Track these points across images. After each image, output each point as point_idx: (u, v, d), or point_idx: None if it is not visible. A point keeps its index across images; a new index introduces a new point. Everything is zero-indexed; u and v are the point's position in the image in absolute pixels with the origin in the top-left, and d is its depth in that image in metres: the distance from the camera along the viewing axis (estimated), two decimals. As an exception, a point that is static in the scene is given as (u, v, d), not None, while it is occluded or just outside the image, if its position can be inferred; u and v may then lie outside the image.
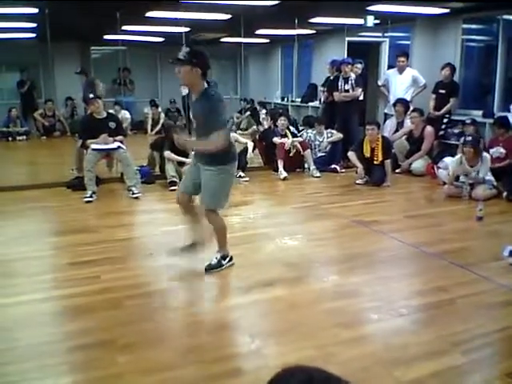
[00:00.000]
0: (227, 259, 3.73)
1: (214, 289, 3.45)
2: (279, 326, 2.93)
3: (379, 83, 8.49)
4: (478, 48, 8.89)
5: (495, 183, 5.78)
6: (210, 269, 3.63)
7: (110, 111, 7.30)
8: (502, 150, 6.21)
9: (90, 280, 3.51)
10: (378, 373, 2.43)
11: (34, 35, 9.92)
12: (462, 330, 2.81)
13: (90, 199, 5.71)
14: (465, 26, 8.14)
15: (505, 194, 5.66)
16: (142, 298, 3.28)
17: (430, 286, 3.46)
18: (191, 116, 3.69)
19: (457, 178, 5.92)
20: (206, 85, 3.35)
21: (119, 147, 6.06)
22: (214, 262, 3.67)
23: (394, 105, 7.72)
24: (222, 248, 3.72)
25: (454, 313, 3.05)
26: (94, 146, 5.94)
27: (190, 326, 2.95)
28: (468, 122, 6.97)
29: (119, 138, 6.13)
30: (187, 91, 9.85)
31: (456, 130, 7.62)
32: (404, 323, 2.95)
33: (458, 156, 5.91)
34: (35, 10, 7.31)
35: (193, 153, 3.81)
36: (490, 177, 5.77)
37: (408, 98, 7.79)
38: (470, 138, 5.78)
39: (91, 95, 6.34)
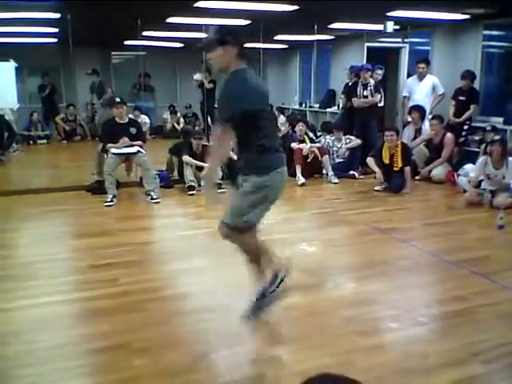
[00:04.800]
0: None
1: (231, 294, 3.44)
2: (297, 333, 2.92)
3: (404, 94, 8.37)
4: (499, 54, 8.79)
5: (516, 191, 5.70)
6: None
7: (131, 116, 7.39)
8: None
9: (109, 283, 3.55)
10: (395, 382, 2.41)
11: (55, 40, 10.08)
12: (482, 340, 2.77)
13: (111, 203, 5.77)
14: (485, 32, 8.06)
15: (526, 202, 5.57)
16: (160, 301, 3.30)
17: (449, 294, 3.42)
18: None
19: (478, 185, 5.85)
20: (239, 66, 2.72)
21: (139, 151, 6.12)
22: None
23: (410, 112, 7.66)
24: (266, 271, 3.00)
25: (473, 322, 3.00)
26: (113, 151, 6.01)
27: (206, 331, 2.95)
28: (488, 128, 6.89)
29: (138, 142, 6.18)
30: (200, 77, 9.91)
31: (476, 137, 7.54)
32: (423, 332, 2.92)
33: (484, 157, 5.88)
34: (57, 16, 7.44)
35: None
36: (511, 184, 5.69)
37: (428, 107, 7.72)
38: (497, 137, 5.73)
39: (117, 99, 6.41)
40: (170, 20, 7.92)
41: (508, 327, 2.96)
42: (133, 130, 6.20)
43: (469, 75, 7.49)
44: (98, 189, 6.21)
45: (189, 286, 3.62)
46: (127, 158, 6.27)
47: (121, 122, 6.19)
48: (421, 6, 7.08)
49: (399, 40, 9.83)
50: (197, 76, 9.91)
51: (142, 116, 10.79)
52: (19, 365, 2.56)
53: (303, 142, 7.31)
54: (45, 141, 11.18)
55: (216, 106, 2.89)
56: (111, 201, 5.79)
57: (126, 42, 10.83)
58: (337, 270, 4.00)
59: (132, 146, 6.10)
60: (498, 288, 3.48)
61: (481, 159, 5.92)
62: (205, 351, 2.70)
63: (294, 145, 7.27)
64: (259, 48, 10.80)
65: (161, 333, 2.88)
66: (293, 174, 7.17)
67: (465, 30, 8.24)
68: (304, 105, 12.93)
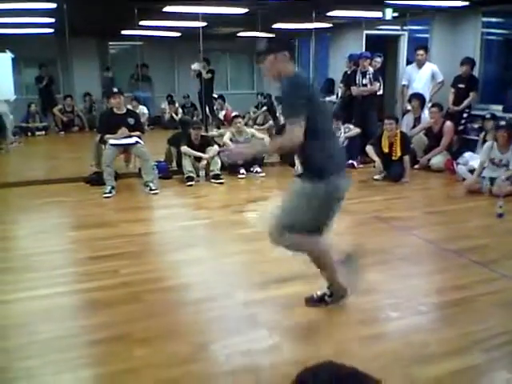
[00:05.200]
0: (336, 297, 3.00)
1: (231, 284, 3.44)
2: (297, 322, 2.92)
3: (403, 83, 8.31)
4: (498, 41, 8.74)
5: (516, 179, 5.70)
6: (309, 301, 3.06)
7: (129, 106, 7.35)
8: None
9: (109, 274, 3.54)
10: (396, 371, 2.41)
11: (52, 30, 10.01)
12: (482, 329, 2.78)
13: (109, 194, 5.76)
14: (484, 19, 8.01)
15: (526, 189, 5.57)
16: (160, 292, 3.29)
17: (449, 283, 3.42)
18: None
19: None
20: (293, 69, 2.78)
21: (137, 142, 6.09)
22: (316, 295, 3.05)
23: (409, 100, 7.62)
24: (331, 280, 3.00)
25: (473, 311, 3.01)
26: (112, 142, 5.98)
27: (207, 321, 2.95)
28: (488, 116, 6.87)
29: (136, 133, 6.15)
30: (197, 67, 9.86)
31: (476, 125, 7.52)
32: (423, 321, 2.92)
33: (489, 142, 5.90)
34: (53, 6, 7.37)
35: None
36: (510, 172, 5.69)
37: (427, 95, 7.68)
38: (504, 123, 5.74)
39: (115, 89, 6.37)
40: (167, 9, 7.86)
41: (508, 316, 2.96)
42: (131, 121, 6.17)
43: (468, 62, 7.44)
44: (96, 180, 6.19)
45: (189, 277, 3.62)
46: (125, 149, 6.25)
47: (119, 112, 6.15)
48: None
49: (398, 27, 9.78)
50: (194, 66, 9.86)
51: (141, 106, 10.74)
52: (20, 357, 2.56)
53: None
54: (43, 132, 11.13)
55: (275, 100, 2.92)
56: (110, 192, 5.78)
57: (124, 32, 10.77)
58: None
59: (130, 136, 6.07)
60: (498, 277, 3.48)
61: (487, 144, 5.96)
62: (205, 341, 2.71)
63: (293, 134, 7.23)
64: (257, 37, 10.74)
65: (161, 323, 2.88)
66: (292, 164, 7.16)
67: (464, 17, 8.18)
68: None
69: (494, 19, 8.27)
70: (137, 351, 2.59)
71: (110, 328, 2.82)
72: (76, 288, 3.39)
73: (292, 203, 2.78)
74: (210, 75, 10.13)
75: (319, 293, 3.05)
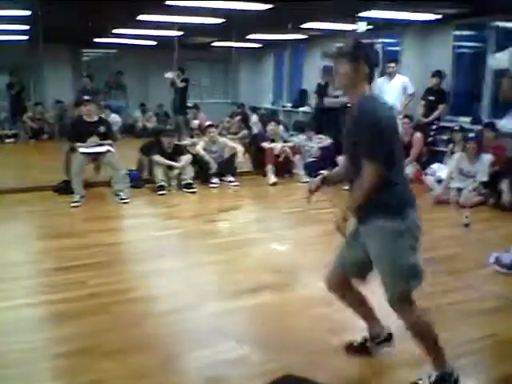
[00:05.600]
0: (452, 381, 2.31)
1: (202, 295, 3.42)
2: (266, 333, 2.92)
3: None
4: (469, 54, 8.94)
5: (483, 190, 5.82)
6: None
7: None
8: (490, 157, 6.25)
9: (76, 285, 3.49)
10: (364, 380, 2.43)
11: (26, 37, 9.87)
12: (449, 338, 2.80)
13: (78, 204, 5.67)
14: (456, 32, 8.19)
15: (491, 200, 5.70)
16: (128, 303, 3.26)
17: (416, 292, 3.45)
18: (344, 143, 2.37)
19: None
20: (368, 91, 2.28)
21: (108, 151, 6.03)
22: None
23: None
24: (437, 363, 2.32)
25: (440, 320, 3.03)
26: (82, 150, 5.90)
27: (175, 333, 2.93)
28: (456, 128, 7.01)
29: (107, 141, 6.08)
30: (171, 75, 9.83)
31: (444, 137, 7.66)
32: (390, 330, 2.94)
33: (458, 153, 6.06)
34: (28, 13, 7.27)
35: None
36: (477, 183, 5.83)
37: (399, 106, 7.81)
38: (473, 135, 5.88)
39: (86, 97, 6.30)
40: (141, 18, 7.83)
41: (474, 324, 3.03)
42: (102, 129, 6.10)
43: (437, 75, 7.62)
44: (64, 189, 6.07)
45: (158, 288, 3.59)
46: (96, 158, 6.17)
47: (89, 120, 6.08)
48: (393, 7, 7.16)
49: (371, 40, 9.92)
50: (168, 74, 9.82)
51: (113, 115, 10.65)
52: (-18, 370, 2.50)
53: (274, 141, 7.33)
54: (12, 140, 10.92)
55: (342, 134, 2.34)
56: (78, 201, 5.69)
57: (97, 40, 10.68)
58: (307, 268, 4.01)
59: (101, 145, 6.00)
60: (464, 286, 3.55)
61: (455, 155, 6.12)
62: (173, 353, 2.68)
63: (266, 144, 7.28)
64: (232, 47, 10.79)
65: (129, 335, 2.85)
66: (265, 174, 7.20)
67: (436, 29, 8.35)
68: (277, 104, 12.97)
69: (465, 32, 8.46)
70: (104, 364, 2.55)
71: (77, 340, 2.77)
72: (42, 299, 3.32)
73: (391, 250, 2.27)
74: (183, 84, 10.11)
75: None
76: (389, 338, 2.64)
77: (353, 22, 8.70)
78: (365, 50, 2.29)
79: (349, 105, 2.43)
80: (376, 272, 2.37)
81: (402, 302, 2.33)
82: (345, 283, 2.54)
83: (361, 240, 2.35)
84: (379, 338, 2.62)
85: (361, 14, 7.86)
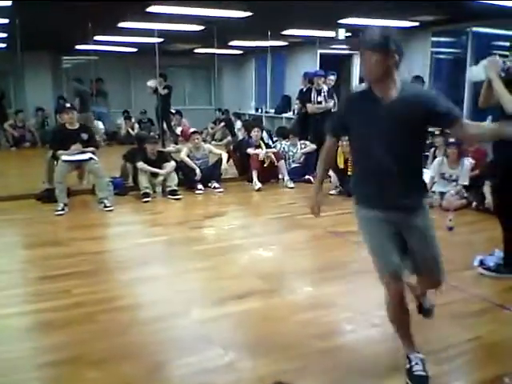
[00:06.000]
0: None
1: (187, 302, 3.40)
2: (253, 339, 2.92)
3: None
4: (447, 60, 9.09)
5: (465, 194, 5.90)
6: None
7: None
8: (471, 161, 6.34)
9: (61, 294, 3.45)
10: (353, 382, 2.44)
11: (4, 45, 9.77)
12: (434, 340, 2.84)
13: (62, 212, 5.61)
14: (434, 38, 8.32)
15: (474, 203, 5.77)
16: (113, 312, 3.22)
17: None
18: (375, 133, 2.25)
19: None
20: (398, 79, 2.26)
21: (91, 158, 5.97)
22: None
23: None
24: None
25: (425, 322, 3.06)
26: (64, 158, 5.85)
27: (161, 341, 2.90)
28: (437, 133, 7.09)
29: (90, 149, 6.03)
30: (153, 84, 9.80)
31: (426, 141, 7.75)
32: (377, 334, 2.96)
33: (440, 158, 6.12)
34: (5, 21, 7.21)
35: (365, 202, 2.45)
36: (459, 187, 5.90)
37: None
38: (453, 140, 5.95)
39: (67, 104, 6.25)
40: (122, 25, 7.81)
41: (460, 327, 3.05)
42: (84, 136, 6.05)
43: (417, 80, 7.70)
44: (48, 197, 6.01)
45: (144, 296, 3.56)
46: (79, 166, 6.12)
47: (71, 128, 6.03)
48: (371, 14, 7.25)
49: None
50: (150, 83, 9.80)
51: (96, 122, 10.57)
52: (-35, 382, 2.45)
53: (259, 147, 7.34)
54: (-7, 148, 10.80)
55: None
56: (62, 209, 5.64)
57: (78, 47, 10.61)
58: (293, 274, 4.02)
59: (84, 152, 5.95)
60: (449, 288, 3.56)
61: (437, 159, 6.17)
62: (159, 361, 2.66)
63: (250, 150, 7.29)
64: (214, 53, 10.81)
65: (115, 344, 2.82)
66: (249, 180, 7.20)
67: (414, 36, 8.47)
68: (260, 110, 13.00)
69: (443, 39, 8.60)
70: (89, 373, 2.52)
71: (62, 350, 2.74)
72: (26, 309, 3.28)
73: (435, 243, 2.48)
74: (166, 91, 10.09)
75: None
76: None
77: (332, 29, 8.81)
78: (395, 40, 2.23)
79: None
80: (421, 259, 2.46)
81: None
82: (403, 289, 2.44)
83: (406, 228, 2.36)
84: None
85: (339, 21, 7.94)
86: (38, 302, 3.36)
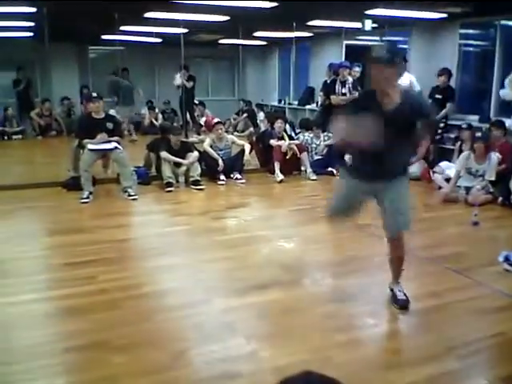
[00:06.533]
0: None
1: (210, 291, 3.43)
2: (274, 329, 2.93)
3: None
4: (475, 53, 8.92)
5: (491, 189, 5.81)
6: (407, 304, 3.12)
7: (112, 111, 7.32)
8: (498, 155, 6.23)
9: (87, 280, 3.50)
10: (372, 377, 2.44)
11: (31, 34, 9.90)
12: (457, 335, 2.82)
13: (87, 200, 5.70)
14: (462, 30, 8.17)
15: (500, 199, 5.68)
16: (138, 299, 3.27)
17: (425, 290, 3.47)
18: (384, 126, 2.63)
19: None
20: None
21: (116, 148, 6.04)
22: (402, 296, 3.15)
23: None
24: (397, 277, 3.24)
25: (449, 318, 3.05)
26: (90, 147, 5.92)
27: (185, 328, 2.94)
28: (464, 126, 6.99)
29: (115, 138, 6.10)
30: (180, 82, 9.87)
31: (452, 135, 7.65)
32: (399, 327, 2.96)
33: (466, 152, 6.02)
34: (33, 9, 7.30)
35: (354, 173, 3.10)
36: (485, 182, 5.81)
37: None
38: (480, 134, 5.86)
39: (94, 94, 6.32)
40: (148, 15, 7.84)
41: (483, 322, 3.02)
42: (109, 125, 6.11)
43: (445, 72, 7.57)
44: (73, 185, 6.10)
45: (167, 283, 3.60)
46: (104, 155, 6.20)
47: (97, 117, 6.10)
48: (399, 5, 7.15)
49: (377, 38, 9.91)
50: (178, 82, 9.84)
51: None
52: (-5, 364, 2.51)
53: (282, 138, 7.33)
54: (20, 136, 10.98)
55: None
56: (87, 197, 5.72)
57: (104, 37, 10.70)
58: (315, 266, 4.02)
59: (109, 141, 6.02)
60: (473, 284, 3.55)
61: (463, 154, 6.07)
62: (183, 348, 2.70)
63: (273, 142, 7.28)
64: (238, 44, 10.79)
65: (140, 330, 2.86)
66: (272, 171, 7.20)
67: (442, 28, 8.34)
68: (283, 102, 12.96)
69: (471, 31, 8.44)
70: (115, 358, 2.56)
71: (88, 335, 2.79)
72: (52, 294, 3.34)
73: (407, 199, 3.10)
74: (192, 83, 10.15)
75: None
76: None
77: (358, 20, 8.71)
78: (399, 56, 2.88)
79: (390, 105, 2.80)
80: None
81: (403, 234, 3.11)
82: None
83: (386, 188, 2.99)
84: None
85: (367, 12, 7.84)
86: (63, 287, 3.42)
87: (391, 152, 2.82)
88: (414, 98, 3.07)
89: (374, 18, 8.50)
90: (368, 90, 2.97)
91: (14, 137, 10.90)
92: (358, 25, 8.94)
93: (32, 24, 8.70)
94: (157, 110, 12.24)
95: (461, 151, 6.49)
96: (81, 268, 3.73)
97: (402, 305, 3.10)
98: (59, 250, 4.23)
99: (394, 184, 2.97)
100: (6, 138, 10.77)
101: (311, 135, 7.77)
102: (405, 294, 3.14)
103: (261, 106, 12.67)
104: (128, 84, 10.46)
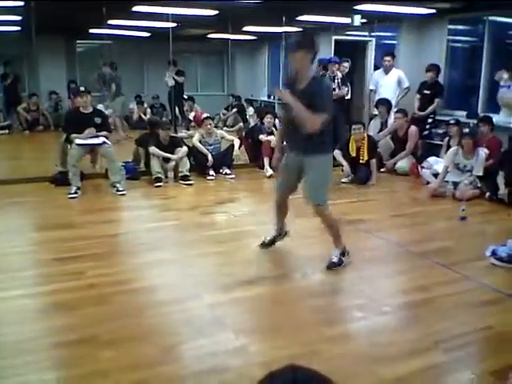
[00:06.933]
0: (346, 254, 3.75)
1: (199, 286, 3.43)
2: (264, 324, 2.94)
3: (370, 88, 8.47)
4: (464, 49, 8.97)
5: (479, 184, 5.86)
6: (333, 267, 3.64)
7: (100, 106, 7.26)
8: (486, 151, 6.28)
9: (75, 276, 3.49)
10: (361, 370, 2.45)
11: (18, 28, 9.78)
12: (445, 329, 2.85)
13: (75, 195, 5.66)
14: (451, 26, 8.20)
15: (487, 194, 5.73)
16: (127, 294, 3.26)
17: (413, 284, 3.50)
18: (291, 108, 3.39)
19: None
20: (312, 71, 3.50)
21: (104, 142, 6.01)
22: (335, 259, 3.67)
23: (376, 106, 7.77)
24: (339, 244, 3.73)
25: (436, 311, 3.08)
26: (78, 141, 5.88)
27: (175, 323, 2.94)
28: (452, 122, 7.04)
29: (103, 133, 6.06)
30: (173, 82, 9.84)
31: (440, 131, 7.69)
32: (387, 321, 2.98)
33: (454, 148, 6.04)
34: (20, 3, 7.21)
35: (287, 147, 3.73)
36: (473, 177, 5.86)
37: (394, 100, 7.83)
38: (468, 130, 5.89)
39: (82, 88, 6.27)
40: (136, 8, 7.78)
41: (470, 316, 3.06)
42: (97, 120, 6.07)
43: (433, 68, 7.61)
44: (61, 180, 6.05)
45: (157, 279, 3.59)
46: (92, 149, 6.16)
47: (85, 111, 6.05)
48: (387, 0, 7.16)
49: (366, 33, 9.93)
50: (170, 82, 9.77)
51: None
52: (-18, 360, 2.50)
53: (271, 134, 7.32)
54: (6, 131, 10.85)
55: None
56: (75, 193, 5.68)
57: (92, 31, 10.60)
58: (304, 260, 4.03)
59: (97, 136, 5.98)
60: (461, 278, 3.58)
61: (451, 149, 6.10)
62: (173, 343, 2.70)
63: (263, 137, 7.27)
64: (227, 39, 10.74)
65: (129, 325, 2.86)
66: (261, 166, 7.20)
67: (430, 24, 8.37)
68: (273, 97, 12.92)
69: (459, 27, 8.48)
70: (104, 353, 2.56)
71: (76, 330, 2.78)
72: (40, 290, 3.32)
73: (321, 176, 3.56)
74: (183, 78, 10.12)
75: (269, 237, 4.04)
76: (286, 234, 4.12)
77: (348, 15, 8.71)
78: (312, 41, 3.40)
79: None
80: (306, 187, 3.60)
81: (320, 207, 3.59)
82: (285, 199, 3.88)
83: (304, 164, 3.53)
84: (281, 235, 4.08)
85: (355, 7, 7.85)
86: (51, 283, 3.40)
87: (302, 126, 3.34)
88: (316, 86, 3.39)
89: (363, 14, 8.51)
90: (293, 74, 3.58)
91: (1, 132, 10.76)
92: (347, 20, 8.95)
93: (19, 18, 8.60)
94: (145, 105, 12.17)
95: (449, 146, 6.53)
96: (69, 263, 3.72)
97: (328, 266, 3.63)
98: (47, 245, 4.20)
99: (311, 161, 3.49)
100: (-8, 132, 10.65)
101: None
102: (337, 257, 3.66)
103: (250, 101, 12.64)
104: (118, 76, 10.36)
